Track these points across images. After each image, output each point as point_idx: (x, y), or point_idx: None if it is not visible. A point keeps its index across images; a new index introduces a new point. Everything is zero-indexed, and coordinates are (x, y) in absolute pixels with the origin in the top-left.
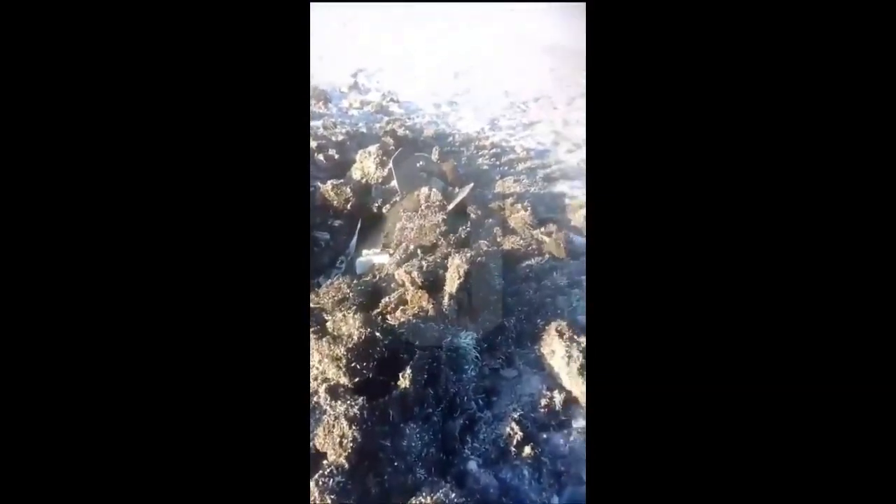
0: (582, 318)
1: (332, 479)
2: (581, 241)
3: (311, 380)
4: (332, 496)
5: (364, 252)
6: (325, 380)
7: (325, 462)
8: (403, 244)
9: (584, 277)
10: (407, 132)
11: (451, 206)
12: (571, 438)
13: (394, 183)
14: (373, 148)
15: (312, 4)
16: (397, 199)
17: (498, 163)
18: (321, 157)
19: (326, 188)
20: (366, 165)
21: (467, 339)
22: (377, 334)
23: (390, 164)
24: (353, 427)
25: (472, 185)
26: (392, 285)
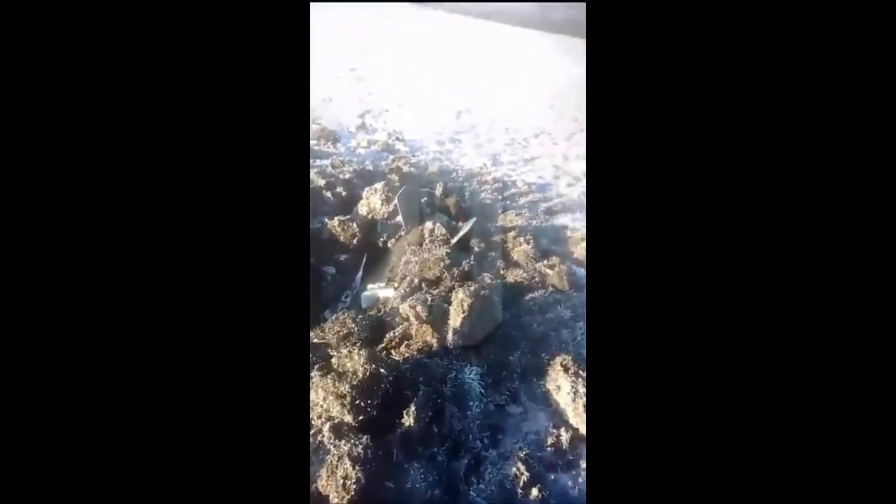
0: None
1: None
2: (584, 272)
3: (315, 418)
4: None
5: (369, 286)
6: (330, 418)
7: None
8: (408, 278)
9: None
10: (412, 169)
11: (454, 240)
12: (580, 480)
13: (399, 218)
14: (379, 185)
15: (318, 39)
16: (402, 233)
17: (500, 197)
18: (329, 194)
19: (333, 224)
20: (372, 202)
21: (472, 375)
22: (382, 370)
23: (395, 201)
24: (357, 468)
25: (474, 219)
26: (397, 319)
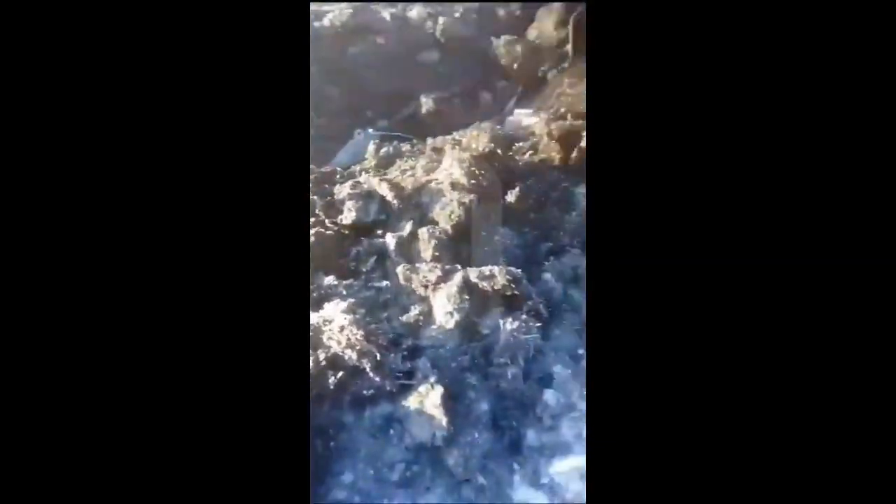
0: None
1: None
2: None
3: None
4: None
5: (516, 111)
6: (450, 175)
7: None
8: (555, 107)
9: None
10: None
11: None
12: None
13: (568, 47)
14: (557, 5)
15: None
16: (565, 65)
17: None
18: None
19: (499, 44)
20: (543, 25)
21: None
22: (498, 151)
23: (570, 26)
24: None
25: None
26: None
